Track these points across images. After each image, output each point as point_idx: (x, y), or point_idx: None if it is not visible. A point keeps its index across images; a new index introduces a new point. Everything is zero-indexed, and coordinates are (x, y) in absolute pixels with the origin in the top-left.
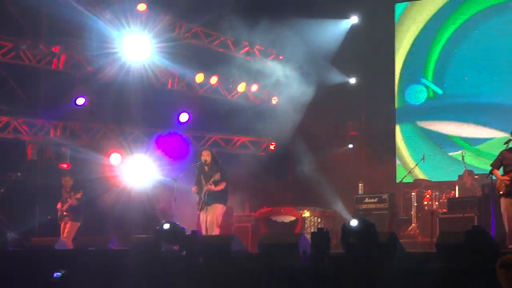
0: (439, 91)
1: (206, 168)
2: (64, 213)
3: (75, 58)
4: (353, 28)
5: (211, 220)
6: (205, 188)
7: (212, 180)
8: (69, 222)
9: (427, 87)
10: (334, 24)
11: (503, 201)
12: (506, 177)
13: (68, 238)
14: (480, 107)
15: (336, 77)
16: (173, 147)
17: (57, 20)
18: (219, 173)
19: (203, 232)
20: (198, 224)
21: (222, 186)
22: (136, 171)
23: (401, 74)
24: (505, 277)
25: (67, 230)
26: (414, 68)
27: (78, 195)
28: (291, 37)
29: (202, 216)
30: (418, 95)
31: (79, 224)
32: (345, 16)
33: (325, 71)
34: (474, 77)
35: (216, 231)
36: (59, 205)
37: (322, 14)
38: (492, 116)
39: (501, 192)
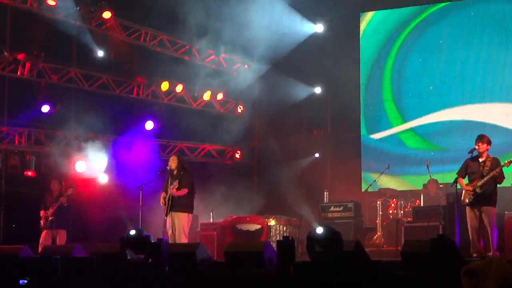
0: (402, 104)
1: (173, 173)
2: (50, 217)
3: (39, 66)
4: (318, 36)
5: (178, 228)
6: (169, 192)
7: (174, 184)
8: (58, 230)
9: (390, 99)
10: (298, 39)
11: (467, 211)
12: (469, 188)
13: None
14: (446, 115)
15: (301, 88)
16: (137, 152)
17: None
18: (180, 180)
19: (170, 238)
20: (165, 231)
21: (183, 191)
22: (101, 178)
23: (366, 86)
24: (469, 285)
25: (58, 241)
26: (378, 81)
27: (63, 199)
28: (256, 46)
29: (168, 221)
30: (382, 107)
31: (65, 231)
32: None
33: (290, 80)
34: (438, 86)
35: (184, 241)
36: (42, 212)
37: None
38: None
39: (465, 202)
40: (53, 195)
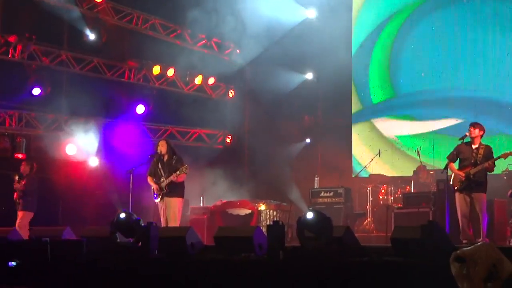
0: (394, 91)
1: (163, 158)
2: (18, 200)
3: (30, 49)
4: (310, 22)
5: (172, 213)
6: (167, 179)
7: (177, 172)
8: (20, 211)
9: (382, 86)
10: (289, 25)
11: (457, 196)
12: (461, 173)
13: (20, 229)
14: (437, 102)
15: (292, 75)
16: (128, 135)
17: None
18: (177, 166)
19: (162, 222)
20: (156, 214)
21: (182, 177)
22: (92, 161)
23: (357, 72)
24: (458, 271)
25: (18, 220)
26: (369, 68)
27: (23, 182)
28: (248, 32)
29: (161, 206)
30: (373, 94)
31: (30, 214)
32: (301, 15)
33: (281, 66)
34: (429, 73)
35: (176, 225)
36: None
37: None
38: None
39: (455, 187)
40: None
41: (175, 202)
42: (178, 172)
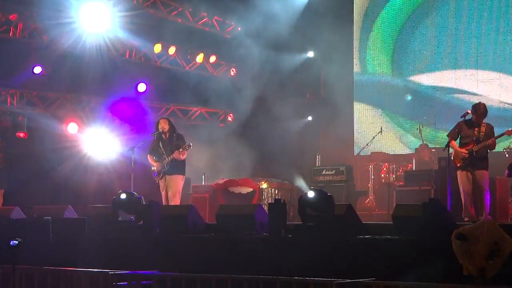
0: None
1: (164, 136)
2: None
3: (31, 27)
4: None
5: (173, 191)
6: (169, 157)
7: (181, 149)
8: None
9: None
10: (292, 3)
11: (459, 174)
12: (464, 150)
13: None
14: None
15: (294, 52)
16: (130, 114)
17: None
18: (178, 144)
19: (163, 200)
20: (158, 193)
21: (185, 155)
22: (93, 140)
23: (359, 50)
24: (460, 248)
25: None
26: (370, 46)
27: None
28: (249, 9)
29: (162, 184)
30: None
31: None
32: None
33: (283, 44)
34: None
35: (177, 203)
36: None
37: None
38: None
39: (458, 165)
40: None
41: (175, 180)
42: (181, 149)
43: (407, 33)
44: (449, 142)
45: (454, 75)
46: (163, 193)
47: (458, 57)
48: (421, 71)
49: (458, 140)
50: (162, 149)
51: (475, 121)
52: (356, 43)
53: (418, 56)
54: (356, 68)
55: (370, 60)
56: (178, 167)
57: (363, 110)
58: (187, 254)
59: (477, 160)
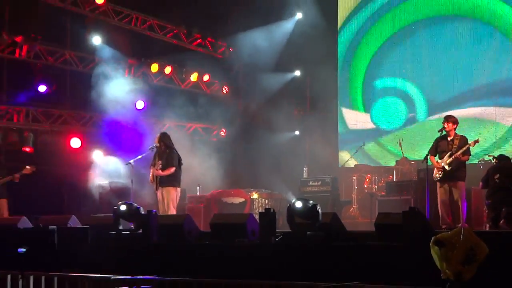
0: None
1: (159, 150)
2: None
3: (36, 49)
4: (297, 22)
5: (166, 202)
6: (157, 172)
7: (159, 165)
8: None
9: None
10: (279, 25)
11: (438, 186)
12: (439, 165)
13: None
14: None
15: (282, 72)
16: (130, 131)
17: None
18: (165, 159)
19: (160, 210)
20: (156, 203)
21: (170, 170)
22: (95, 154)
23: (342, 68)
24: (438, 254)
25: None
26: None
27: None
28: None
29: (159, 194)
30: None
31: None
32: (291, 15)
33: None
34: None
35: (173, 213)
36: None
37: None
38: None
39: (436, 177)
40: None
41: (168, 191)
42: (159, 166)
43: (384, 53)
44: (427, 156)
45: (432, 91)
46: (160, 204)
47: (436, 77)
48: (401, 91)
49: (438, 155)
50: (156, 163)
51: (449, 135)
52: (340, 63)
53: (398, 74)
54: (340, 85)
55: (352, 78)
56: (170, 179)
57: (346, 124)
58: (183, 260)
59: (451, 172)
